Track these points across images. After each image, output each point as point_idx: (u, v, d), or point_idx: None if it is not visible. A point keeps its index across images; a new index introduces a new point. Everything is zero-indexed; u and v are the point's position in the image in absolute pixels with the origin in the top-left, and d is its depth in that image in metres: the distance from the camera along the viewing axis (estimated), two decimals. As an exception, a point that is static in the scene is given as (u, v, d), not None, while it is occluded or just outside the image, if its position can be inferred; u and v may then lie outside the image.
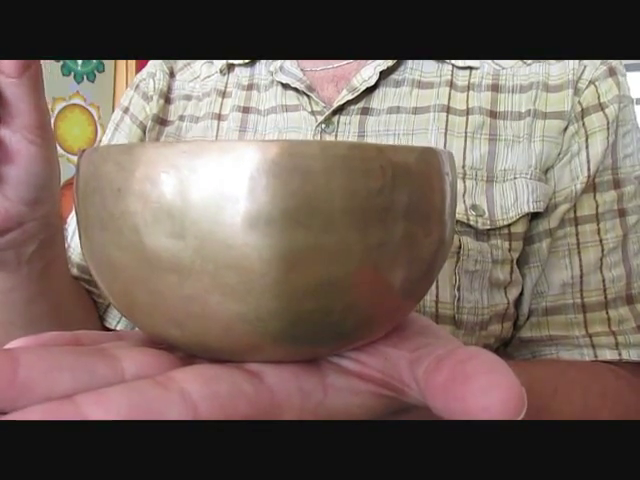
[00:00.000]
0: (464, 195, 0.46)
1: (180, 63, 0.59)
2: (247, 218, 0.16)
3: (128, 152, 0.17)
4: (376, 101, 0.49)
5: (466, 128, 0.47)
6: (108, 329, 0.55)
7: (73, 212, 0.58)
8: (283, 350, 0.19)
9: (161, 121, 0.56)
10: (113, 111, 0.61)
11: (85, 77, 1.63)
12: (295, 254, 0.17)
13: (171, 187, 0.17)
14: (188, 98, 0.56)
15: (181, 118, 0.56)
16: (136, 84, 0.59)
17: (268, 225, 0.16)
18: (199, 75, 0.57)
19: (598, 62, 0.47)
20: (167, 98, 0.57)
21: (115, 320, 0.55)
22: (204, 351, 0.20)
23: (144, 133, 0.57)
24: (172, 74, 0.58)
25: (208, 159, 0.16)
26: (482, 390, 0.16)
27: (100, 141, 0.61)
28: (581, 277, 0.48)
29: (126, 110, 0.59)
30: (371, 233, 0.18)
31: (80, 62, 1.64)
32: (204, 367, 0.18)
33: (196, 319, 0.18)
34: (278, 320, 0.18)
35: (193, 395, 0.17)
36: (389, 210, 0.18)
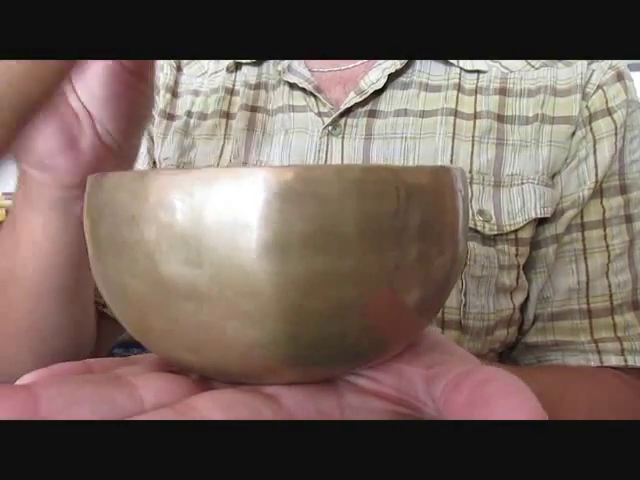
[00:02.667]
0: (471, 200, 0.46)
1: None
2: (263, 244, 0.16)
3: (141, 179, 0.17)
4: (383, 103, 0.49)
5: (473, 132, 0.47)
6: (104, 315, 0.53)
7: None
8: (299, 373, 0.19)
9: (168, 116, 0.56)
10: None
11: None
12: (312, 279, 0.17)
13: (186, 214, 0.17)
14: (196, 93, 0.56)
15: (189, 114, 0.55)
16: None
17: (284, 251, 0.16)
18: (207, 70, 0.57)
19: (606, 66, 0.47)
20: (174, 92, 0.57)
21: None
22: (220, 375, 0.20)
23: (152, 124, 0.56)
24: (179, 68, 0.58)
25: (222, 186, 0.16)
26: (503, 414, 0.16)
27: None
28: (587, 283, 0.48)
29: None
30: (387, 256, 0.17)
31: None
32: (222, 393, 0.18)
33: (213, 345, 0.18)
34: (295, 345, 0.18)
35: None
36: (404, 232, 0.18)
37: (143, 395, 0.18)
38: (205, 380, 0.20)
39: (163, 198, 0.17)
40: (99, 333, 0.55)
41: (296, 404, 0.19)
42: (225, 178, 0.16)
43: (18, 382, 0.19)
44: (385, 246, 0.17)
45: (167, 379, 0.19)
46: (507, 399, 0.17)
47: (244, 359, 0.18)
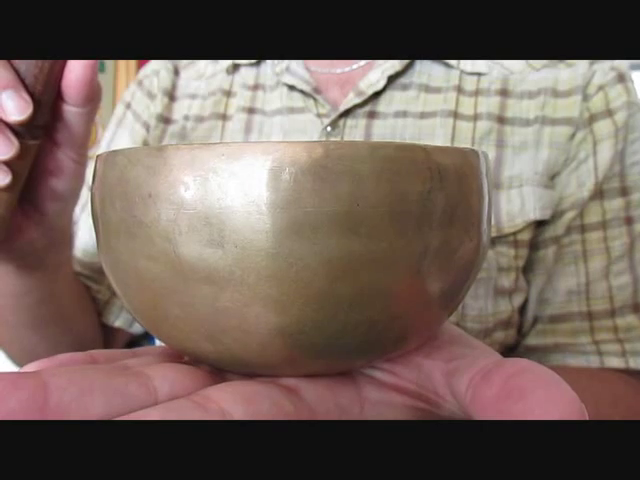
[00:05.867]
0: None
1: (184, 60, 0.58)
2: (292, 224, 0.15)
3: (160, 155, 0.16)
4: (383, 104, 0.48)
5: (473, 134, 0.46)
6: (105, 325, 0.56)
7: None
8: (320, 363, 0.18)
9: (165, 120, 0.55)
10: (113, 111, 0.60)
11: (85, 77, 1.61)
12: (342, 262, 0.16)
13: (209, 192, 0.16)
14: (193, 97, 0.55)
15: (186, 117, 0.55)
16: (140, 80, 0.58)
17: (315, 231, 0.15)
18: (204, 73, 0.56)
19: (608, 68, 0.47)
20: (171, 96, 0.56)
21: (114, 316, 0.55)
22: (237, 366, 0.18)
23: (147, 132, 0.56)
24: (176, 72, 0.57)
25: (249, 162, 0.15)
26: (540, 406, 0.15)
27: (102, 139, 0.61)
28: (587, 285, 0.47)
29: (128, 105, 0.58)
30: (419, 239, 0.17)
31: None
32: (241, 384, 0.17)
33: (232, 333, 0.17)
34: (321, 333, 0.17)
35: (234, 416, 0.15)
36: (436, 215, 0.17)
37: (157, 385, 0.16)
38: (218, 371, 0.19)
39: (183, 174, 0.16)
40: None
41: (316, 398, 0.18)
42: (252, 153, 0.15)
43: (22, 370, 0.18)
44: (417, 229, 0.16)
45: (180, 369, 0.18)
46: (543, 391, 0.16)
47: (265, 348, 0.17)
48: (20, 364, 0.52)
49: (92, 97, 0.32)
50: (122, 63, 1.62)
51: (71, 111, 0.33)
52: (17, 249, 0.37)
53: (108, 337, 0.57)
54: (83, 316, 0.52)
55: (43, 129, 0.32)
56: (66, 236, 0.41)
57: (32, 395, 0.14)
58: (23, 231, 0.36)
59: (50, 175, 0.34)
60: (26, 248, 0.37)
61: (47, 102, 0.32)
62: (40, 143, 0.33)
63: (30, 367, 0.18)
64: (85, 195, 0.58)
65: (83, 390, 0.15)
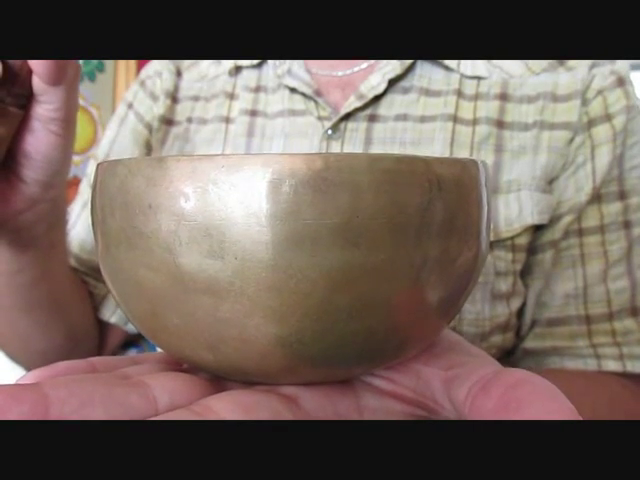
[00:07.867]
0: None
1: (186, 62, 0.58)
2: (292, 236, 0.15)
3: (160, 166, 0.16)
4: (383, 108, 0.48)
5: (472, 138, 0.46)
6: (101, 321, 0.56)
7: (72, 205, 0.58)
8: (319, 372, 0.18)
9: (167, 121, 0.55)
10: (114, 111, 0.60)
11: (85, 77, 1.61)
12: (342, 273, 0.16)
13: (209, 204, 0.16)
14: (196, 99, 0.55)
15: (189, 120, 0.55)
16: (142, 80, 0.58)
17: (314, 243, 0.15)
18: (206, 75, 0.56)
19: (607, 72, 0.47)
20: (174, 98, 0.56)
21: (110, 311, 0.56)
22: (237, 375, 0.19)
23: (150, 133, 0.56)
24: (179, 73, 0.57)
25: (250, 174, 0.15)
26: (538, 418, 0.16)
27: (102, 138, 0.60)
28: (585, 289, 0.47)
29: (130, 106, 0.58)
30: (419, 250, 0.17)
31: (80, 62, 1.62)
32: (240, 394, 0.17)
33: (231, 343, 0.17)
34: (320, 342, 0.17)
35: None
36: (436, 225, 0.17)
37: (157, 395, 0.16)
38: (218, 380, 0.19)
39: (184, 186, 0.16)
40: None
41: (315, 407, 0.18)
42: (252, 165, 0.15)
43: (21, 381, 0.18)
44: (417, 240, 0.17)
45: (180, 378, 0.18)
46: (541, 403, 0.16)
47: (264, 358, 0.17)
48: (13, 356, 0.52)
49: (59, 78, 0.32)
50: (122, 63, 1.61)
51: (43, 87, 0.32)
52: (6, 223, 0.37)
53: (104, 333, 0.57)
54: (78, 306, 0.52)
55: (26, 99, 0.32)
56: (58, 213, 0.42)
57: (33, 408, 0.14)
58: (8, 200, 0.36)
59: (25, 142, 0.34)
60: (15, 222, 0.38)
61: (29, 72, 0.32)
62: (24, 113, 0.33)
63: (29, 377, 0.18)
64: (87, 193, 0.57)
65: (83, 402, 0.15)
